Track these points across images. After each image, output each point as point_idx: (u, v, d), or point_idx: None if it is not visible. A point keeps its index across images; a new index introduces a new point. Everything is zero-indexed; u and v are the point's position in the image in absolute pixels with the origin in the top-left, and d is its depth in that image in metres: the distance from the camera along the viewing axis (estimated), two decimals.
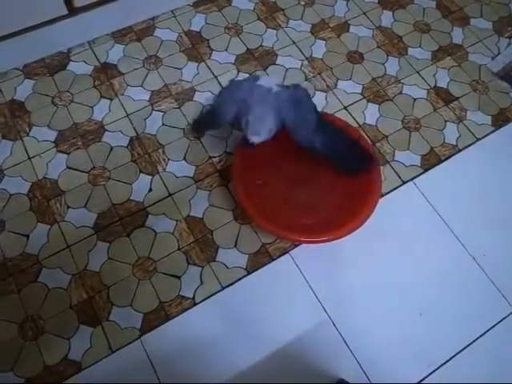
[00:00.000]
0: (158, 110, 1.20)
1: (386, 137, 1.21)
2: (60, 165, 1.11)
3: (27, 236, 1.03)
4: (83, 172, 1.11)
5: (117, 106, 1.20)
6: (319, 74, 1.30)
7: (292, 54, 1.32)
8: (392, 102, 1.27)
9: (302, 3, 1.43)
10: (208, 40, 1.33)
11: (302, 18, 1.40)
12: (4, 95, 1.19)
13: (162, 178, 1.11)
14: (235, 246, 1.05)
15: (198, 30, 1.34)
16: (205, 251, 1.04)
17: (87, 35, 1.28)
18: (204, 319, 0.97)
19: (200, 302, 0.99)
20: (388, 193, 1.13)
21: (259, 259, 1.04)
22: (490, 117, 1.27)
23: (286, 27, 1.37)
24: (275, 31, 1.36)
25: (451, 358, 0.97)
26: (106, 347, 0.94)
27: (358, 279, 1.03)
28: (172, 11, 1.37)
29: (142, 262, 1.02)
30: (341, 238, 0.96)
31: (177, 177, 1.12)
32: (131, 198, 1.09)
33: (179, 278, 1.01)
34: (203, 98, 1.23)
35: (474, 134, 1.24)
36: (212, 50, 1.31)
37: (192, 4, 1.39)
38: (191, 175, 1.12)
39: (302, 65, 1.31)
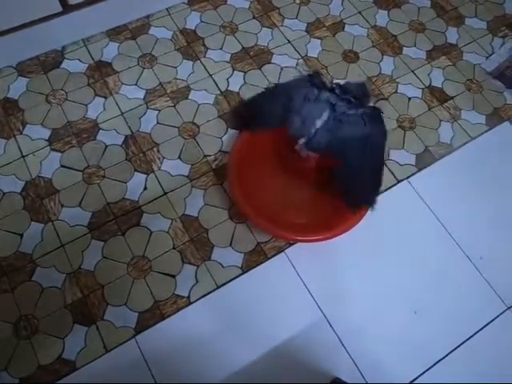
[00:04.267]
0: (153, 109, 1.20)
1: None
2: (54, 163, 1.11)
3: (21, 235, 1.02)
4: (77, 171, 1.10)
5: (111, 104, 1.19)
6: None
7: (287, 52, 1.32)
8: (387, 101, 1.27)
9: (298, 2, 1.43)
10: (203, 38, 1.32)
11: (297, 17, 1.39)
12: None
13: (156, 177, 1.11)
14: (230, 244, 1.05)
15: (193, 28, 1.34)
16: (200, 250, 1.04)
17: (81, 33, 1.28)
18: (199, 318, 0.97)
19: (195, 301, 0.99)
20: (383, 192, 1.13)
21: (254, 258, 1.04)
22: (484, 116, 1.28)
23: (282, 26, 1.37)
24: (270, 30, 1.36)
25: (445, 356, 0.98)
26: (101, 346, 0.93)
27: (353, 278, 1.04)
28: (167, 9, 1.36)
29: (136, 261, 1.02)
30: (336, 236, 0.96)
31: (172, 175, 1.12)
32: (126, 196, 1.08)
33: (174, 276, 1.01)
34: (198, 96, 1.22)
35: (468, 133, 1.24)
36: (207, 48, 1.31)
37: (187, 2, 1.38)
38: (186, 174, 1.12)
39: (297, 63, 1.31)
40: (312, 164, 1.03)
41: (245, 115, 1.06)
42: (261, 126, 1.00)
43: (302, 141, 0.94)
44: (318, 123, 0.93)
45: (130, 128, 1.17)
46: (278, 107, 0.96)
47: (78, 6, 1.18)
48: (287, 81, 1.01)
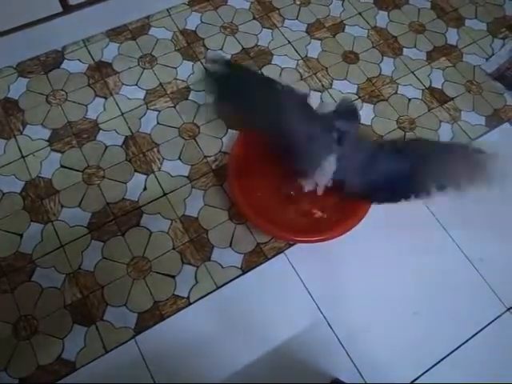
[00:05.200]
0: (153, 109, 1.20)
1: (381, 137, 1.22)
2: (54, 163, 1.10)
3: (21, 235, 1.02)
4: (77, 171, 1.10)
5: (111, 104, 1.19)
6: (314, 73, 1.30)
7: (287, 53, 1.32)
8: (387, 102, 1.28)
9: (298, 3, 1.43)
10: (203, 39, 1.32)
11: (297, 18, 1.40)
12: None
13: (156, 178, 1.11)
14: (230, 245, 1.05)
15: (194, 28, 1.34)
16: (200, 251, 1.04)
17: (82, 33, 1.28)
18: (199, 319, 0.97)
19: (195, 302, 0.99)
20: None
21: (254, 259, 1.04)
22: (484, 117, 1.28)
23: (282, 27, 1.37)
24: (271, 31, 1.36)
25: (445, 358, 0.98)
26: (101, 347, 0.93)
27: (353, 279, 1.04)
28: (167, 10, 1.36)
29: (136, 262, 1.02)
30: (336, 237, 0.96)
31: (172, 176, 1.12)
32: (126, 197, 1.08)
33: (174, 277, 1.01)
34: (198, 97, 1.22)
35: (468, 135, 1.24)
36: (207, 49, 1.31)
37: (187, 3, 1.38)
38: (186, 174, 1.12)
39: (297, 64, 1.31)
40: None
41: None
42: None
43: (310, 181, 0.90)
44: (328, 163, 0.86)
45: (130, 128, 1.17)
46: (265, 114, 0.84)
47: (78, 7, 1.18)
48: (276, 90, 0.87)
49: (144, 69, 1.26)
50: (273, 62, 1.30)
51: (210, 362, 0.94)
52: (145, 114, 1.19)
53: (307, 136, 0.85)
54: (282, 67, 1.29)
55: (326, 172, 0.87)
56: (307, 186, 0.91)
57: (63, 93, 1.20)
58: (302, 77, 1.29)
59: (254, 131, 0.94)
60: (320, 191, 0.91)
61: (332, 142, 0.85)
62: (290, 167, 0.90)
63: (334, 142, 0.85)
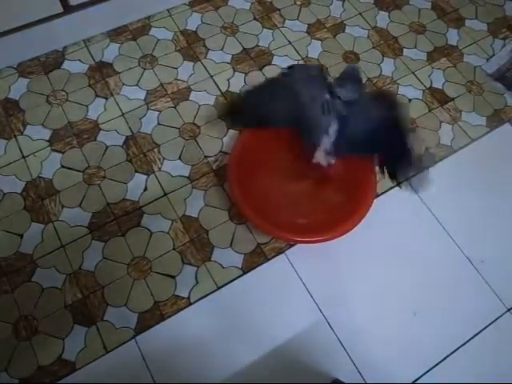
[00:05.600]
0: (154, 110, 1.20)
1: None
2: (54, 164, 1.11)
3: (21, 235, 1.02)
4: (78, 171, 1.10)
5: (112, 105, 1.20)
6: None
7: (288, 53, 1.32)
8: None
9: (298, 3, 1.43)
10: (204, 39, 1.32)
11: (298, 18, 1.40)
12: None
13: (157, 178, 1.11)
14: (231, 245, 1.05)
15: (194, 29, 1.34)
16: (200, 251, 1.04)
17: (82, 34, 1.28)
18: (199, 319, 0.97)
19: (195, 302, 0.99)
20: (383, 193, 1.13)
21: (255, 259, 1.04)
22: (484, 118, 1.28)
23: (282, 27, 1.37)
24: (271, 31, 1.36)
25: (445, 358, 0.98)
26: (101, 347, 0.93)
27: (354, 279, 1.04)
28: (168, 10, 1.36)
29: (137, 262, 1.02)
30: (336, 238, 0.96)
31: (172, 176, 1.12)
32: (126, 197, 1.08)
33: (174, 277, 1.01)
34: (199, 97, 1.22)
35: (468, 135, 1.24)
36: (208, 49, 1.31)
37: (188, 3, 1.38)
38: (187, 175, 1.12)
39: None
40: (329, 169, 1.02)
41: (243, 114, 1.07)
42: (261, 125, 1.01)
43: (320, 151, 0.93)
44: (332, 128, 0.91)
45: (130, 129, 1.17)
46: (281, 107, 0.95)
47: (79, 7, 1.18)
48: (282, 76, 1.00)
49: (144, 69, 1.26)
50: (273, 63, 1.30)
51: (210, 362, 0.94)
52: (145, 115, 1.19)
53: (310, 104, 0.91)
54: (283, 67, 1.29)
55: (331, 136, 0.89)
56: (316, 158, 0.93)
57: (64, 93, 1.20)
58: None
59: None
60: (330, 159, 0.93)
61: (333, 107, 0.89)
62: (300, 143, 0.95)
63: (336, 107, 0.89)
